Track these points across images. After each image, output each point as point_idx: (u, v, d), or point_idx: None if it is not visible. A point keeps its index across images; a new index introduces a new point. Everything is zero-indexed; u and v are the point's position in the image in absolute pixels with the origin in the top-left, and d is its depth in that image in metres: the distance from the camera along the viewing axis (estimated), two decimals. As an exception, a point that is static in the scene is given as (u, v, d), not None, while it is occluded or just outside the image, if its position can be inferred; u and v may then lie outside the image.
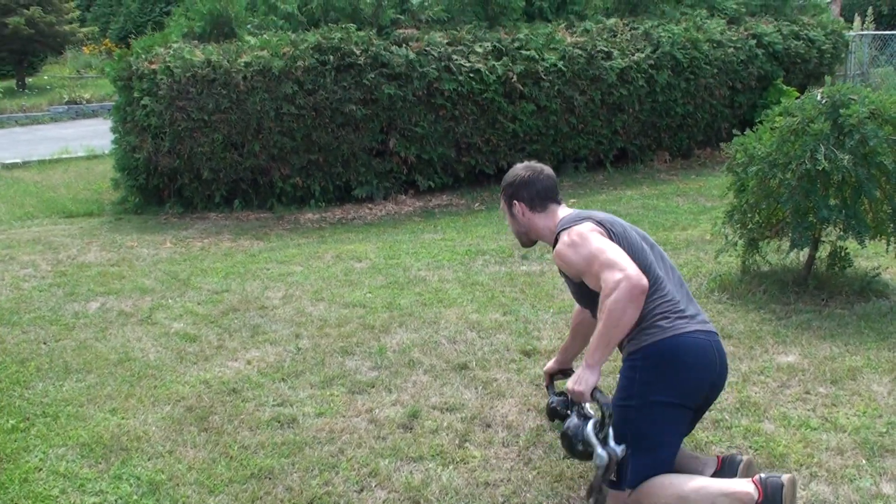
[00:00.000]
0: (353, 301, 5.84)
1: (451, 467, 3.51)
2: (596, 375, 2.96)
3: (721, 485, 2.89)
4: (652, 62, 10.65)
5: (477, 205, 9.46)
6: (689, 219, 8.10)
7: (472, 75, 9.48)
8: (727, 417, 3.80)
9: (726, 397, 4.00)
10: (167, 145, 8.95)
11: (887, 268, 5.79)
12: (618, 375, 3.13)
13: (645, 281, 2.87)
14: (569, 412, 3.22)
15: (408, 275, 6.48)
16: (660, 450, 3.01)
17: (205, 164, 9.02)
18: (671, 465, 3.05)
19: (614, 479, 2.99)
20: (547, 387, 3.80)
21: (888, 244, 5.28)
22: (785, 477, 2.78)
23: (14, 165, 13.38)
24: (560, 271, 3.26)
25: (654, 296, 3.02)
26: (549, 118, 10.14)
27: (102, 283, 6.61)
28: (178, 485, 3.49)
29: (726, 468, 3.03)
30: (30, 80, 23.08)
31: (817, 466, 3.34)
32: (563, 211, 3.33)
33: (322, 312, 5.63)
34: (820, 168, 4.92)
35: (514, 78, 9.69)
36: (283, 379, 4.54)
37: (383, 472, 3.50)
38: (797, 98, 8.21)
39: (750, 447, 3.52)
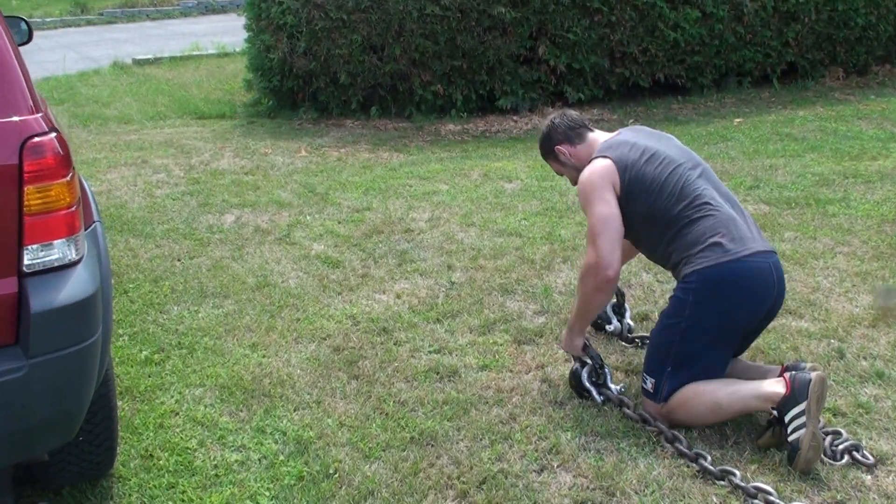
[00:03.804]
0: (508, 228, 5.27)
1: (646, 450, 2.93)
2: (579, 337, 3.26)
3: (753, 386, 2.89)
4: (834, -36, 9.48)
5: (631, 120, 8.60)
6: (878, 147, 7.13)
7: (632, -24, 8.58)
8: None
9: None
10: (303, 46, 8.44)
11: None
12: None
13: (612, 271, 3.02)
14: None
15: (565, 200, 5.83)
16: (700, 372, 2.98)
17: (342, 67, 8.48)
18: None
19: (651, 390, 3.05)
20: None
21: None
22: (814, 374, 2.75)
23: (146, 62, 13.19)
24: None
25: (707, 217, 3.00)
26: (714, 27, 9.17)
27: (237, 193, 6.22)
28: (328, 444, 3.03)
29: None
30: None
31: None
32: (601, 136, 3.39)
33: (474, 240, 5.09)
34: None
35: (679, -20, 8.73)
36: (437, 320, 4.03)
37: (566, 449, 2.95)
38: None
39: None
